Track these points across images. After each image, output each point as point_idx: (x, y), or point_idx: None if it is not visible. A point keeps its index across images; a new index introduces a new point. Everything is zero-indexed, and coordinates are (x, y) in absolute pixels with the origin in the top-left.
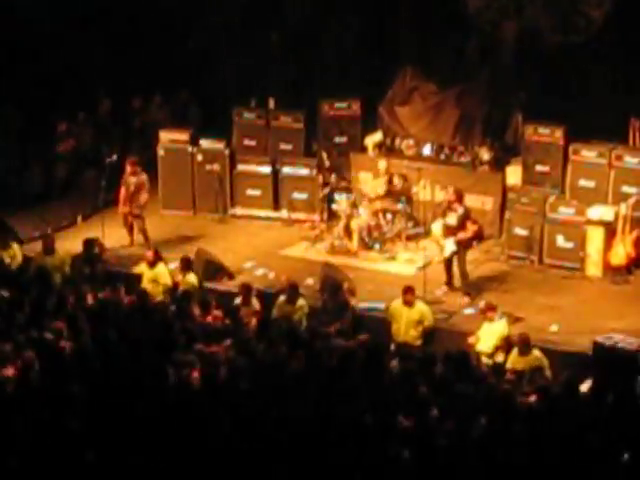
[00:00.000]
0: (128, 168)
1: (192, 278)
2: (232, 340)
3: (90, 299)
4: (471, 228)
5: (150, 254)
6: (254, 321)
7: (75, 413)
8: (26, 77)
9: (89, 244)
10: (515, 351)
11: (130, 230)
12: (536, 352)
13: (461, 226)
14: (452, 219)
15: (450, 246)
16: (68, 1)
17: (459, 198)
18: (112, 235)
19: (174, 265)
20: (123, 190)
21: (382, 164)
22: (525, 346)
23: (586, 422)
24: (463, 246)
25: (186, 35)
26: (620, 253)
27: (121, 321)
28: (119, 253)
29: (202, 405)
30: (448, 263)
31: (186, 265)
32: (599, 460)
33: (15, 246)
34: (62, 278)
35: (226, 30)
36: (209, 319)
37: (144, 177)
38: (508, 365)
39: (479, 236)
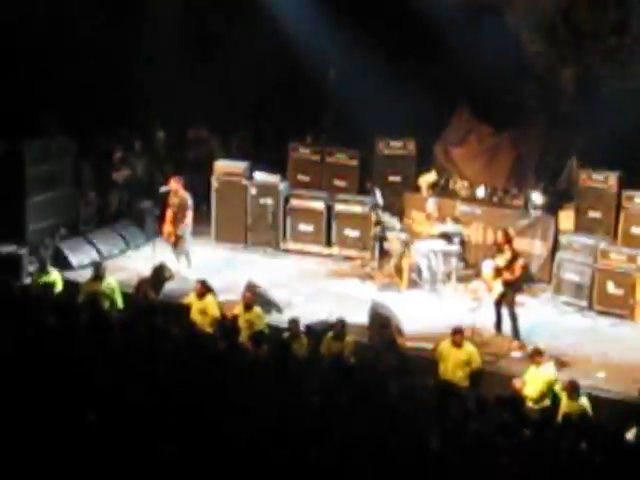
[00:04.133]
0: (171, 186)
1: (258, 311)
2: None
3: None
4: (518, 269)
5: (199, 285)
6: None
7: None
8: (83, 105)
9: (158, 269)
10: (564, 396)
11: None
12: (584, 399)
13: (508, 267)
14: (501, 260)
15: (498, 287)
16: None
17: (508, 240)
18: None
19: (225, 297)
20: (169, 211)
21: (434, 205)
22: (575, 392)
23: (632, 470)
24: (512, 288)
25: (248, 71)
26: None
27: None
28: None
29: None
30: (498, 305)
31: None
32: None
33: (55, 272)
34: (110, 306)
35: (280, 66)
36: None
37: (186, 196)
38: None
39: (526, 277)
